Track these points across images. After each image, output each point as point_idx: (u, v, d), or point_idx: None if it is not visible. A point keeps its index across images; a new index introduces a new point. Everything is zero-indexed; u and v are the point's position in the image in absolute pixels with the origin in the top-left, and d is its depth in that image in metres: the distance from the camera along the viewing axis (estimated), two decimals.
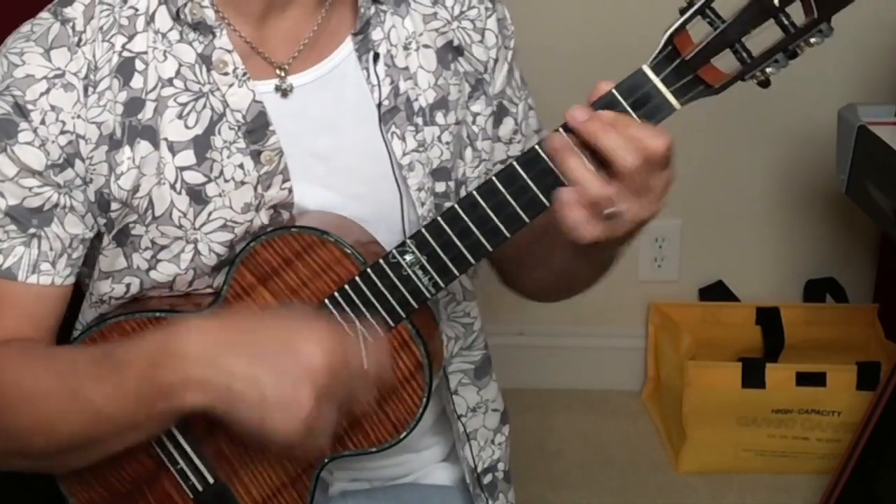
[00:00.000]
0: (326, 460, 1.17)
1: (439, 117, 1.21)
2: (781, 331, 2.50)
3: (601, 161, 0.99)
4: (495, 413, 1.35)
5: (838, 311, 2.56)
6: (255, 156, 1.14)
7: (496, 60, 1.24)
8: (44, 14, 1.14)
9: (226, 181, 1.14)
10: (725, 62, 0.99)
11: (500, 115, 1.26)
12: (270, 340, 1.02)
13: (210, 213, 1.14)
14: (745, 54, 0.98)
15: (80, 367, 1.08)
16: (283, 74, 1.16)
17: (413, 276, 1.09)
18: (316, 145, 1.17)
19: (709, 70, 0.99)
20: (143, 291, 1.17)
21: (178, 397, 1.03)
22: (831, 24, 0.96)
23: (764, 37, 0.97)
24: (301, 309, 1.11)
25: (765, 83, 1.00)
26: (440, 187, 1.21)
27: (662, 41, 0.99)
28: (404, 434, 1.15)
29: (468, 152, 1.24)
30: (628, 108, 1.00)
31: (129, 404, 1.05)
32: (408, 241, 1.08)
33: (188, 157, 1.13)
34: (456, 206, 1.06)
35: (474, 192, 1.05)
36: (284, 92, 1.16)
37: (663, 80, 1.00)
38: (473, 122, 1.24)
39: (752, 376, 2.31)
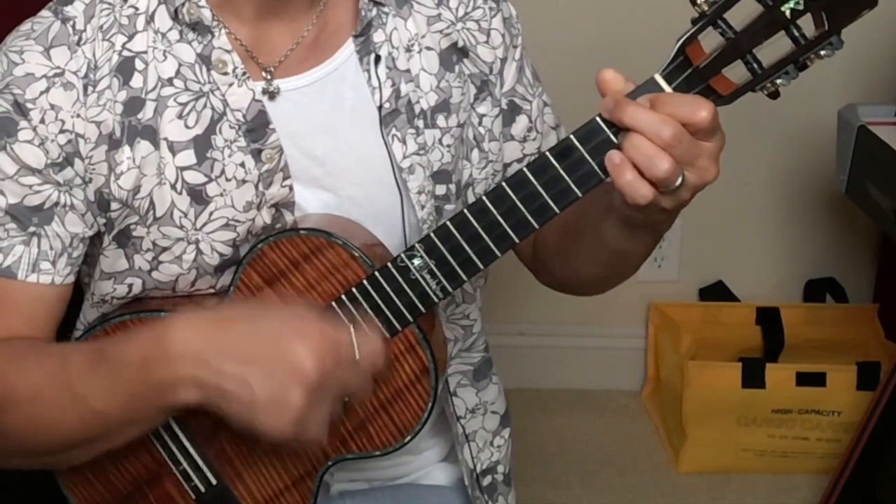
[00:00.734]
0: (330, 463, 1.16)
1: (440, 120, 1.20)
2: (781, 331, 2.50)
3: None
4: (494, 415, 1.34)
5: (838, 311, 2.56)
6: (256, 154, 1.13)
7: (503, 60, 1.24)
8: (44, 12, 1.14)
9: (227, 180, 1.13)
10: (735, 72, 0.98)
11: (511, 113, 1.26)
12: (261, 340, 1.02)
13: (211, 213, 1.13)
14: (755, 65, 0.98)
15: (72, 365, 1.08)
16: (269, 77, 1.15)
17: (421, 281, 1.08)
18: (313, 147, 1.17)
19: (720, 80, 0.99)
20: (145, 291, 1.16)
21: (170, 394, 1.03)
22: (841, 36, 0.96)
23: (773, 48, 0.97)
24: (295, 305, 1.10)
25: (774, 94, 1.00)
26: (440, 190, 1.21)
27: (674, 50, 0.98)
28: (409, 438, 1.15)
29: (475, 154, 1.23)
30: None
31: (121, 401, 1.05)
32: (416, 246, 1.07)
33: (188, 156, 1.12)
34: (465, 210, 1.05)
35: (484, 198, 1.05)
36: (272, 95, 1.15)
37: (675, 89, 0.99)
38: (480, 124, 1.23)
39: (752, 376, 2.31)
